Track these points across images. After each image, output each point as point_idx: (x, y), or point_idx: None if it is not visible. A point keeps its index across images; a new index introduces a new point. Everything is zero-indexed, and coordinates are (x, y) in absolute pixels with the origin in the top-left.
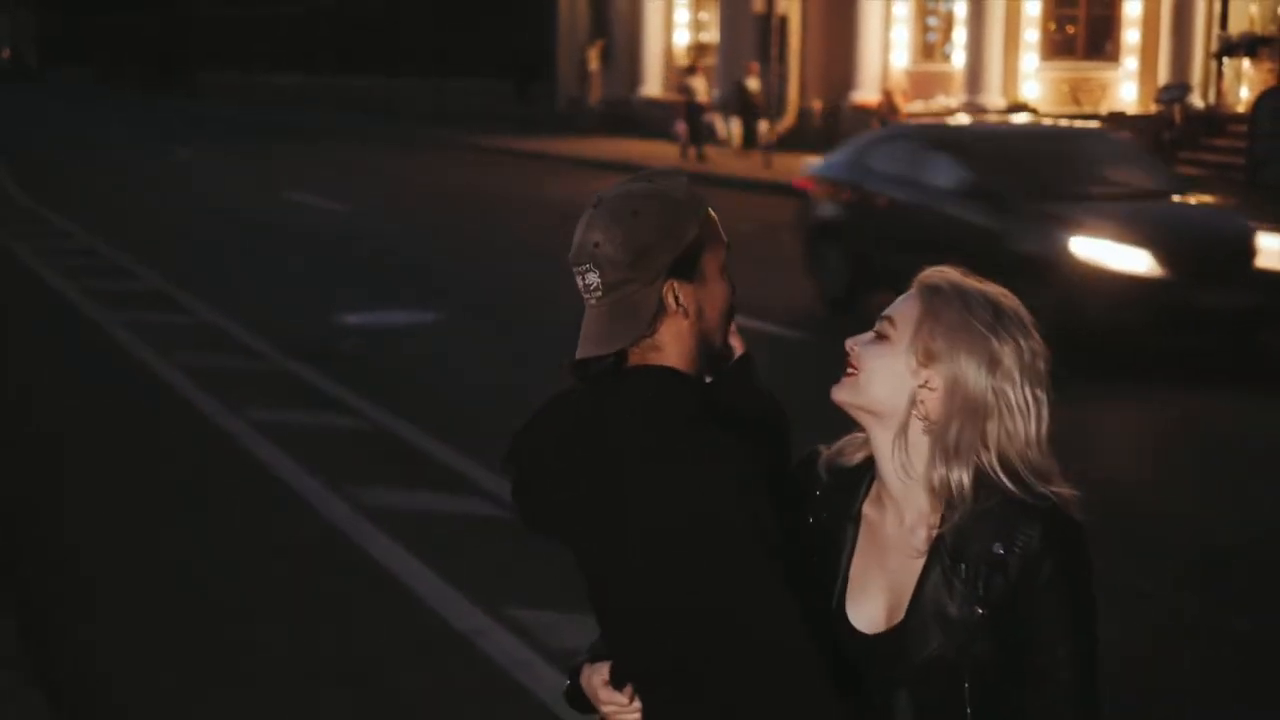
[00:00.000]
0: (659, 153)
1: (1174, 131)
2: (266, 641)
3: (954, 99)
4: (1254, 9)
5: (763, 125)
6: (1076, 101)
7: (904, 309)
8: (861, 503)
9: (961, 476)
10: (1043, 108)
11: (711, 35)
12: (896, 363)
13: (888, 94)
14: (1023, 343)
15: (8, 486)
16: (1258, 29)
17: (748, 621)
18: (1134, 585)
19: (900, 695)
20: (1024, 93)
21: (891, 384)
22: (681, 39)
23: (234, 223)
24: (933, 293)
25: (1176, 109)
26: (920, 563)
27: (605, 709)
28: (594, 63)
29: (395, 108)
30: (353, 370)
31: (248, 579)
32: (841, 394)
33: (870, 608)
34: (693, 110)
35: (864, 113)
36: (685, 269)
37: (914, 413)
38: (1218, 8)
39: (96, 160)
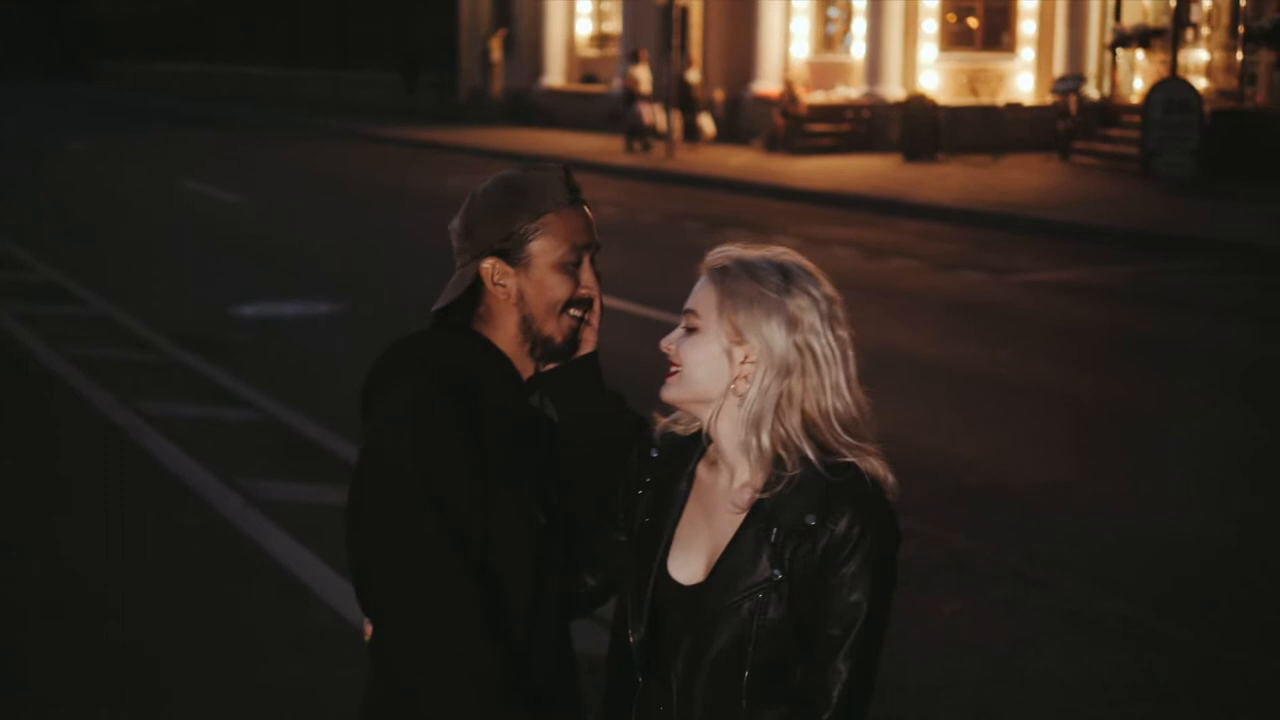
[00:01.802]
0: (564, 143)
1: (1069, 122)
2: (154, 636)
3: (854, 90)
4: (1147, 2)
5: (704, 119)
6: (974, 92)
7: (701, 297)
8: (695, 463)
9: (762, 440)
10: (941, 98)
11: (614, 25)
12: (711, 349)
13: (789, 85)
14: (815, 292)
15: None
16: (1150, 21)
17: (384, 566)
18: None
19: (684, 643)
20: (923, 83)
21: (711, 369)
22: (584, 29)
23: (127, 212)
24: (722, 273)
25: (1072, 99)
26: (740, 519)
27: None
28: (496, 53)
29: (294, 97)
30: (245, 362)
31: (137, 572)
32: (670, 392)
33: (691, 561)
34: (634, 101)
35: (765, 103)
36: (508, 252)
37: (734, 389)
38: (1112, 1)
39: None
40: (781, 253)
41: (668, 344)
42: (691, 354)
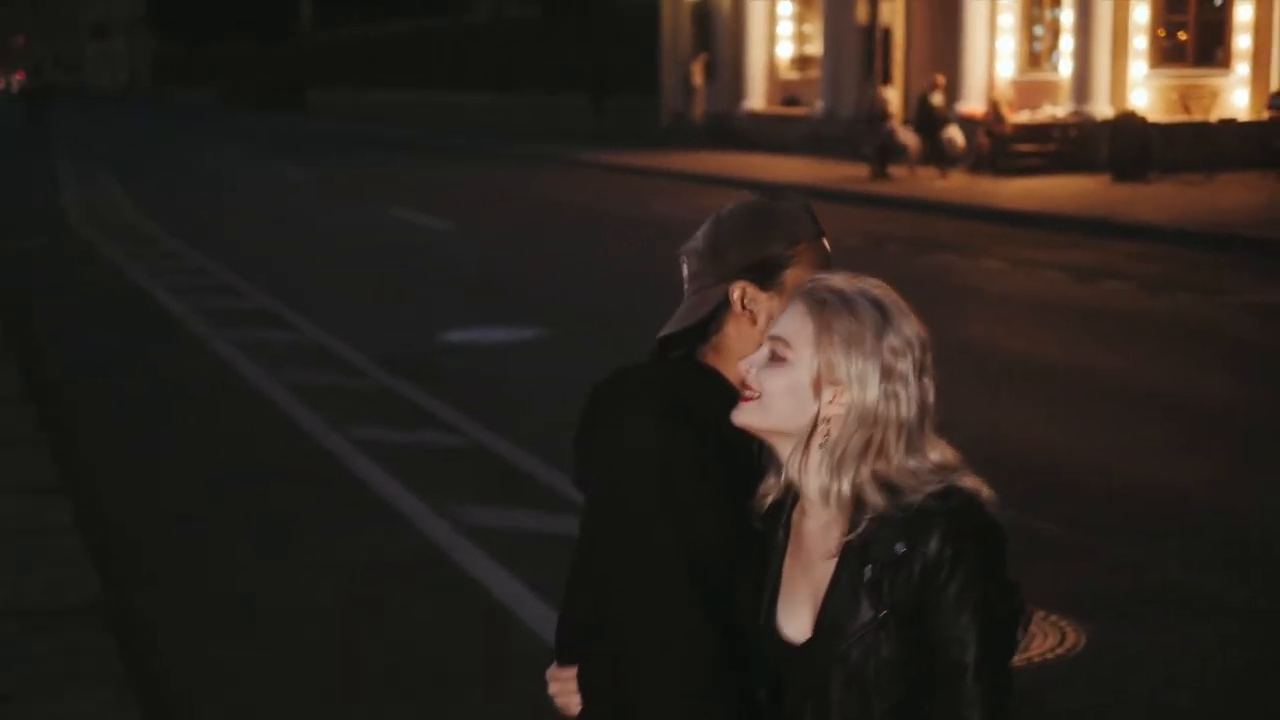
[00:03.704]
0: (766, 166)
1: None
2: (362, 656)
3: (1061, 108)
4: None
5: (953, 131)
6: (1186, 109)
7: (795, 326)
8: (792, 509)
9: (843, 486)
10: (1151, 116)
11: (815, 48)
12: (798, 383)
13: (994, 104)
14: (910, 334)
15: (113, 509)
16: None
17: (626, 600)
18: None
19: (808, 705)
20: (1132, 101)
21: (795, 404)
22: (785, 51)
23: (339, 240)
24: (820, 306)
25: None
26: (833, 565)
27: (551, 688)
28: (698, 77)
29: (503, 123)
30: (453, 388)
31: (347, 599)
32: (745, 417)
33: (799, 615)
34: (882, 124)
35: (970, 123)
36: (761, 275)
37: (819, 429)
38: None
39: (207, 178)
40: (876, 285)
41: (747, 367)
42: (773, 384)
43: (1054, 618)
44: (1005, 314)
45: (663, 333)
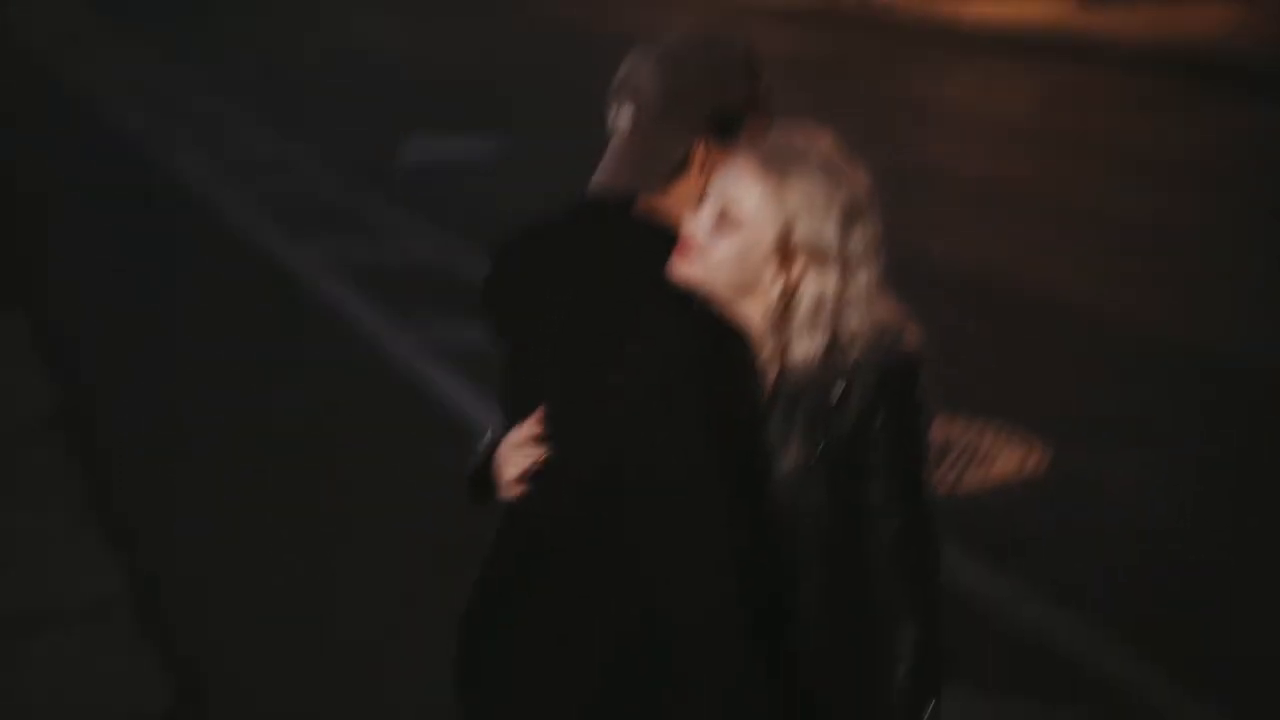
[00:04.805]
0: None
1: None
2: (343, 477)
3: None
4: None
5: None
6: None
7: (747, 189)
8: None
9: (801, 348)
10: None
11: None
12: (749, 247)
13: None
14: (860, 190)
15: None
16: None
17: (673, 491)
18: None
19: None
20: None
21: (744, 269)
22: None
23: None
24: (773, 166)
25: None
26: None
27: (518, 455)
28: None
29: None
30: (417, 198)
31: (314, 424)
32: (688, 273)
33: None
34: None
35: None
36: (720, 128)
37: (778, 296)
38: None
39: None
40: (822, 137)
41: (694, 228)
42: (725, 247)
43: (1019, 437)
44: (972, 136)
45: (605, 185)
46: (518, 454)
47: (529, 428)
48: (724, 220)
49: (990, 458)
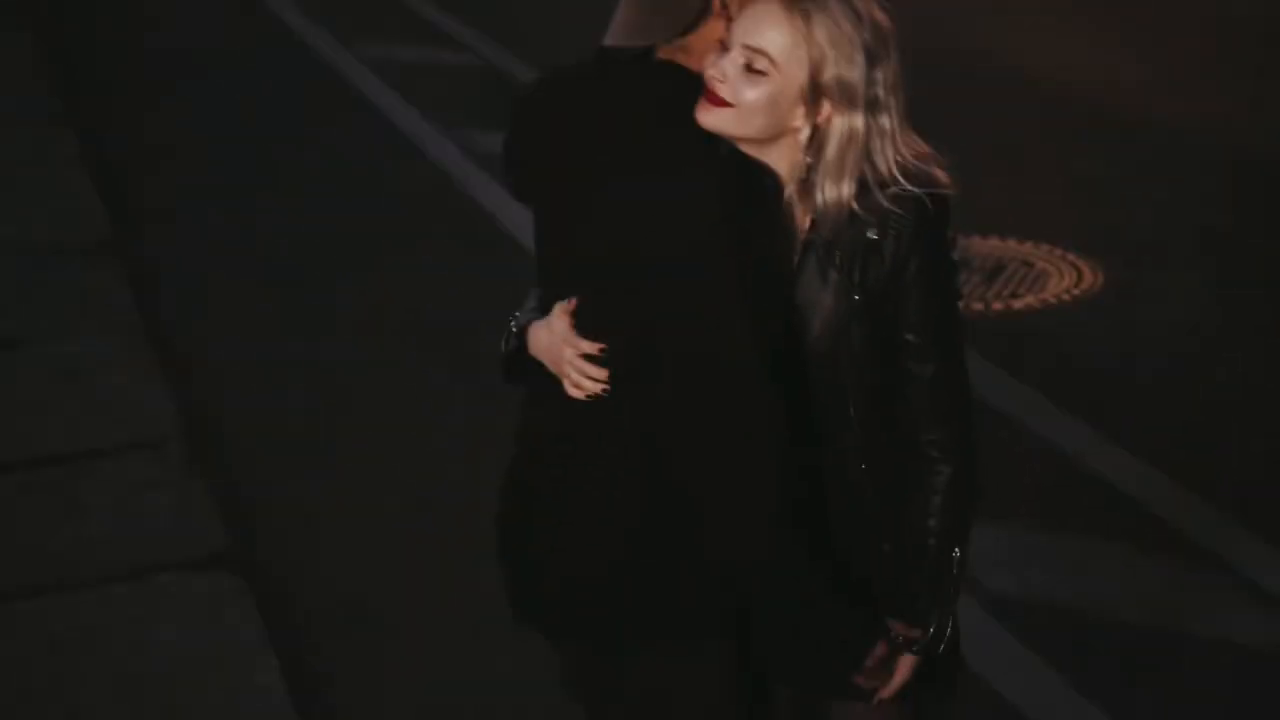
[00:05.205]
0: None
1: None
2: (365, 288)
3: None
4: None
5: None
6: None
7: (772, 33)
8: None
9: (842, 193)
10: None
11: None
12: (779, 93)
13: None
14: (885, 26)
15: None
16: None
17: (699, 339)
18: None
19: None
20: None
21: (774, 115)
22: None
23: None
24: (796, 7)
25: None
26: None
27: (567, 356)
28: None
29: None
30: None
31: (354, 223)
32: (717, 122)
33: None
34: None
35: None
36: None
37: (811, 142)
38: None
39: None
40: None
41: (719, 75)
42: (754, 94)
43: (1071, 256)
44: None
45: (625, 42)
46: (553, 341)
47: (562, 312)
48: (753, 62)
49: (1043, 279)
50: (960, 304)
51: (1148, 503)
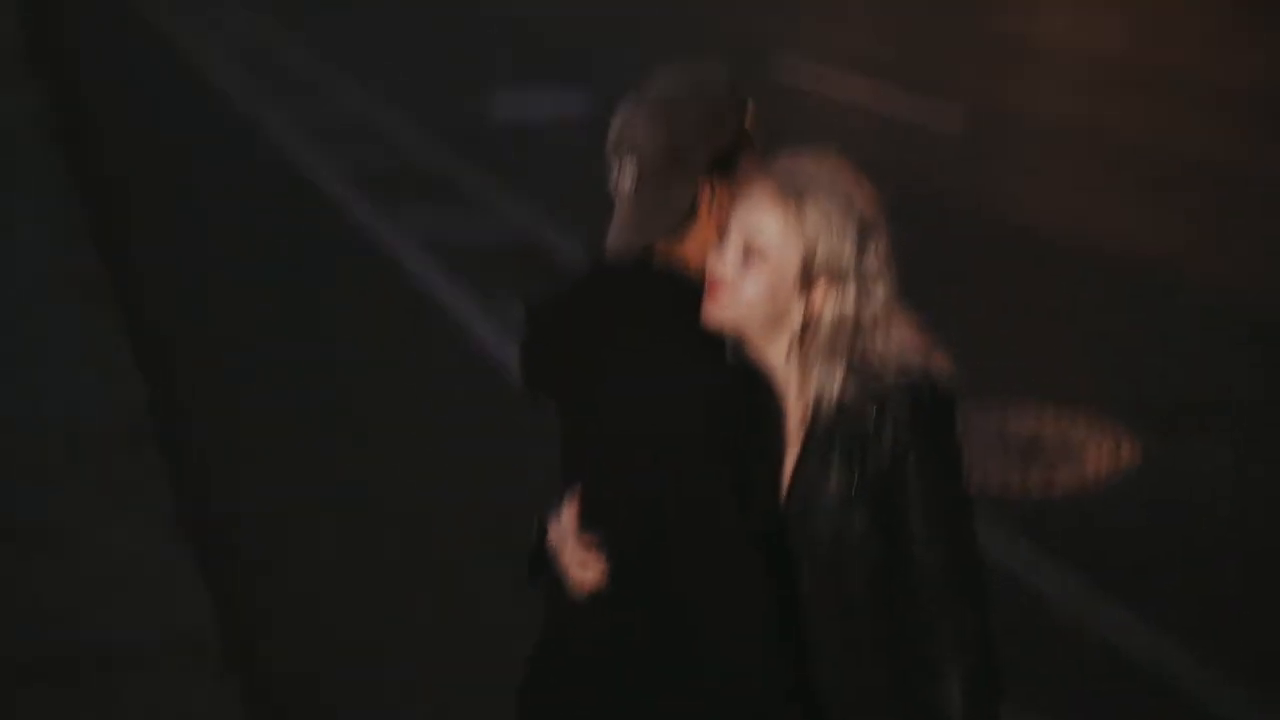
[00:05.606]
0: None
1: None
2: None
3: None
4: None
5: None
6: None
7: (766, 221)
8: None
9: (835, 378)
10: None
11: None
12: (778, 283)
13: None
14: (873, 210)
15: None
16: None
17: (706, 517)
18: None
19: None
20: None
21: (775, 304)
22: None
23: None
24: (789, 196)
25: None
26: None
27: (569, 556)
28: None
29: None
30: (501, 166)
31: (386, 407)
32: (722, 316)
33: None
34: None
35: None
36: (724, 167)
37: (807, 326)
38: None
39: None
40: (826, 160)
41: (722, 269)
42: (755, 285)
43: (1109, 424)
44: (1058, 75)
45: (622, 244)
46: (567, 537)
47: (571, 509)
48: (750, 253)
49: (1082, 452)
50: (968, 489)
51: (1193, 692)
